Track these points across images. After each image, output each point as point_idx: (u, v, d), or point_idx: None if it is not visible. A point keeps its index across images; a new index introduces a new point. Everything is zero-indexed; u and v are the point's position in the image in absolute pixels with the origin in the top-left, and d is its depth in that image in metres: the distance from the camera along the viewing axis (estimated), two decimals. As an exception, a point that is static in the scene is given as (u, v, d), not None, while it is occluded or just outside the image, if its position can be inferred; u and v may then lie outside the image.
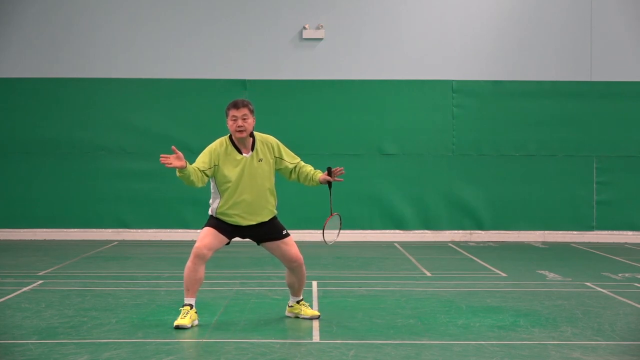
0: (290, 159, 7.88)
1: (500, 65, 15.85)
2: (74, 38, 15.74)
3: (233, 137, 7.68)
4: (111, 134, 15.67)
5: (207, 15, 15.82)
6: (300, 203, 15.19)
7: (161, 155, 7.26)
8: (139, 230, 15.65)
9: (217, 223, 7.68)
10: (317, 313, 8.04)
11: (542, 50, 15.85)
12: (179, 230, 15.57)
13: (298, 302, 8.08)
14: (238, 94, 15.53)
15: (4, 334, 7.29)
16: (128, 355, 6.53)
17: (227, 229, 7.68)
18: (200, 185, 7.56)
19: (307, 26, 15.76)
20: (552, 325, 7.80)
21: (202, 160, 7.60)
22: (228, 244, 7.81)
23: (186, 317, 7.51)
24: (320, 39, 15.81)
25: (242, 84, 15.69)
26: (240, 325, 7.70)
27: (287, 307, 8.18)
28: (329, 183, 7.84)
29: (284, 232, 7.84)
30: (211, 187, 7.77)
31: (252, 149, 7.69)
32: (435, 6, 15.87)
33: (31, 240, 15.40)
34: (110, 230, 15.63)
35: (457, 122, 15.76)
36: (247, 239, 7.92)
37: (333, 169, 7.82)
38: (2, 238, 15.42)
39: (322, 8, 15.84)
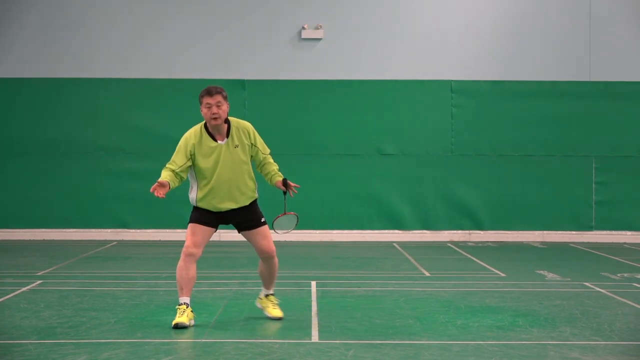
0: (263, 148, 7.84)
1: (499, 65, 15.85)
2: (74, 39, 15.73)
3: (207, 125, 7.64)
4: (110, 134, 15.66)
5: (207, 16, 15.82)
6: (298, 202, 15.17)
7: (150, 190, 7.33)
8: (138, 231, 15.65)
9: (199, 215, 7.66)
10: (280, 314, 7.95)
11: (541, 50, 15.85)
12: (178, 231, 15.55)
13: (267, 296, 8.01)
14: (237, 94, 15.54)
15: (3, 334, 7.28)
16: (127, 355, 6.53)
17: (211, 218, 7.66)
18: (179, 184, 7.59)
19: (306, 26, 15.76)
20: (551, 325, 7.80)
21: (179, 158, 7.56)
22: (215, 230, 7.79)
23: (184, 316, 7.52)
24: (319, 39, 15.81)
25: (241, 84, 15.69)
26: (239, 325, 7.70)
27: (257, 297, 8.18)
28: (284, 192, 7.81)
29: (262, 219, 7.82)
30: (188, 175, 7.72)
31: (228, 136, 7.66)
32: (434, 6, 15.87)
33: (30, 240, 15.40)
34: (109, 230, 15.63)
35: (456, 122, 15.77)
36: (230, 226, 7.88)
37: (289, 182, 7.76)
38: (1, 238, 15.42)
39: (321, 8, 15.84)
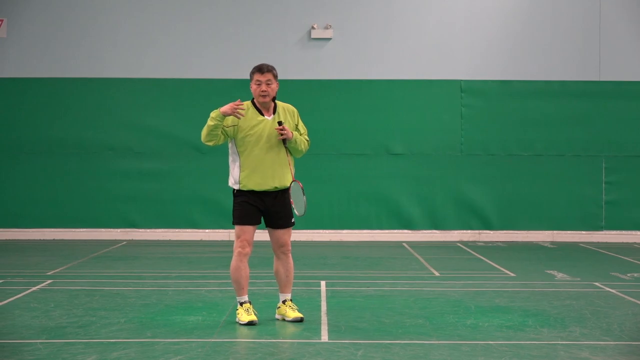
0: (302, 129, 8.08)
1: (508, 65, 15.81)
2: (83, 39, 15.76)
3: (255, 101, 7.87)
4: (119, 134, 15.69)
5: (216, 16, 15.83)
6: (307, 202, 15.17)
7: (238, 105, 7.53)
8: (148, 230, 15.67)
9: (243, 212, 7.62)
10: (300, 315, 7.81)
11: (550, 50, 15.82)
12: (188, 230, 15.58)
13: (284, 302, 7.87)
14: (247, 94, 15.49)
15: (13, 333, 7.30)
16: (136, 354, 6.54)
17: (254, 211, 7.63)
18: (218, 142, 7.62)
19: (315, 26, 15.76)
20: (561, 325, 7.79)
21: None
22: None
23: (252, 314, 7.63)
24: (329, 39, 15.81)
25: (250, 84, 15.67)
26: (249, 325, 7.69)
27: (276, 308, 8.01)
28: (283, 141, 7.72)
29: (292, 220, 7.85)
30: (229, 154, 7.75)
31: (274, 113, 7.83)
32: (444, 6, 15.85)
33: (40, 240, 15.44)
34: (118, 230, 15.65)
35: (465, 122, 15.74)
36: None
37: (284, 125, 7.72)
38: (10, 238, 15.47)
39: (330, 8, 15.84)
